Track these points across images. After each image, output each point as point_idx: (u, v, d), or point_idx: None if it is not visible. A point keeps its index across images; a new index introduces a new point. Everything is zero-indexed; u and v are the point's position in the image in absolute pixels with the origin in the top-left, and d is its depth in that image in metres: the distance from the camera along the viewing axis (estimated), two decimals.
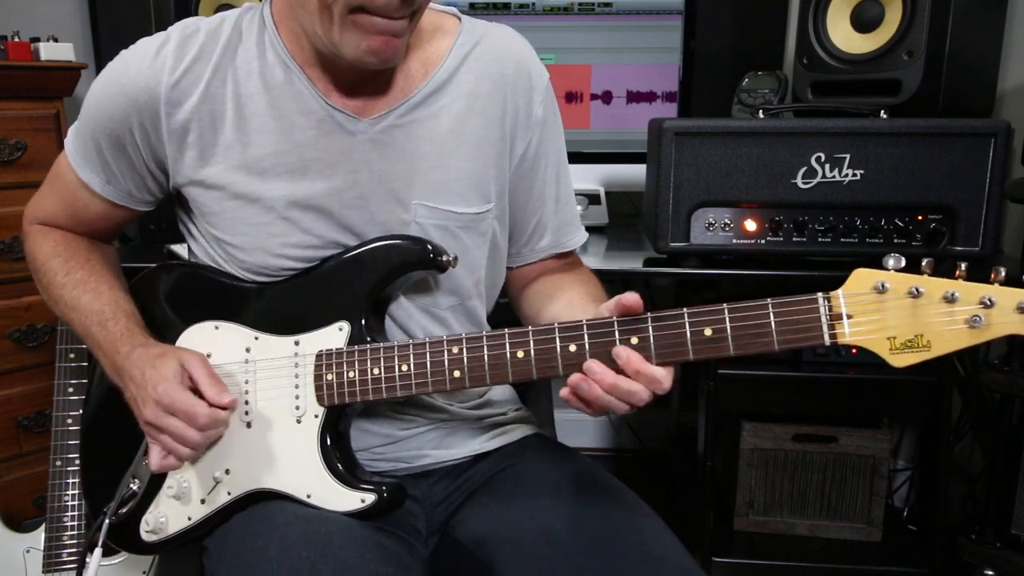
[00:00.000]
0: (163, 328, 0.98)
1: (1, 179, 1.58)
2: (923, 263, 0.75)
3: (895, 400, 1.60)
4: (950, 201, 1.32)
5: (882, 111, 1.37)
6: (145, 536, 0.96)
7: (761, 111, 1.45)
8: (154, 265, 1.02)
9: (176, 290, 0.99)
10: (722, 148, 1.35)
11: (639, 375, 0.79)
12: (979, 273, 0.75)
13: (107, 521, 0.94)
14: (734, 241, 1.38)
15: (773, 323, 0.77)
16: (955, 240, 1.33)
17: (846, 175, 1.34)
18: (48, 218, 1.04)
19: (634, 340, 0.80)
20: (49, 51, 1.60)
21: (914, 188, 1.32)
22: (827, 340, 0.76)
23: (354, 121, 0.91)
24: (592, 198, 1.78)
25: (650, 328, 0.80)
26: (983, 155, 1.30)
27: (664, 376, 0.79)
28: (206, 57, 0.90)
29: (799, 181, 1.35)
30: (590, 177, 1.78)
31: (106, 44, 1.84)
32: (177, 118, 0.90)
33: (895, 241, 1.35)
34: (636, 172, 1.65)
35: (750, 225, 1.38)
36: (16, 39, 1.58)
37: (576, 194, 1.12)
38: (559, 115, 1.04)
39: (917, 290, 0.74)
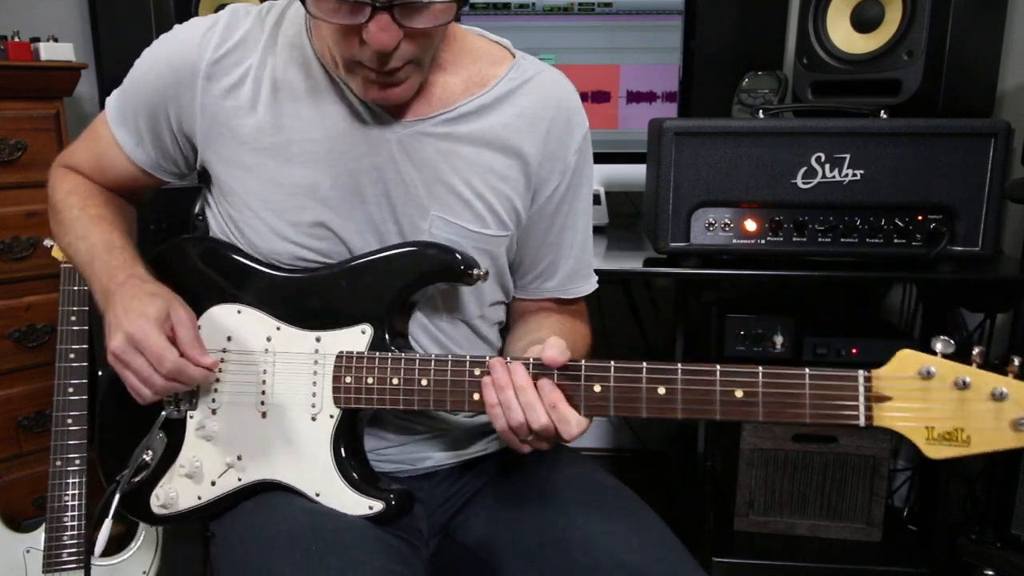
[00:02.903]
0: (187, 302, 0.96)
1: (1, 179, 1.58)
2: (974, 352, 0.71)
3: None
4: (950, 201, 1.32)
5: (882, 111, 1.37)
6: (155, 509, 0.97)
7: (761, 111, 1.45)
8: (180, 237, 1.03)
9: (203, 266, 0.99)
10: (722, 148, 1.35)
11: (554, 411, 0.80)
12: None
13: (119, 491, 0.95)
14: (734, 241, 1.38)
15: (808, 394, 0.75)
16: (955, 240, 1.33)
17: (846, 175, 1.34)
18: (75, 165, 1.05)
19: (661, 390, 0.79)
20: (49, 51, 1.60)
21: (914, 188, 1.32)
22: (863, 422, 0.74)
23: (388, 120, 0.92)
24: (592, 198, 1.78)
25: (679, 380, 0.79)
26: (983, 155, 1.30)
27: (575, 422, 0.80)
28: (251, 40, 0.92)
29: (799, 181, 1.35)
30: None
31: (106, 44, 1.84)
32: (213, 93, 0.91)
33: (895, 241, 1.35)
34: (636, 172, 1.65)
35: (750, 225, 1.38)
36: (16, 39, 1.58)
37: None
38: (591, 164, 1.04)
39: (964, 382, 0.70)
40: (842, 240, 1.36)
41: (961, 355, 0.72)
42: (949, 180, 1.31)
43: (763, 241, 1.38)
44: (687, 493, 1.77)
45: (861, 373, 0.74)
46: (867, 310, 1.98)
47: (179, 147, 0.97)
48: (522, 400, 0.81)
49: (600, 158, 1.76)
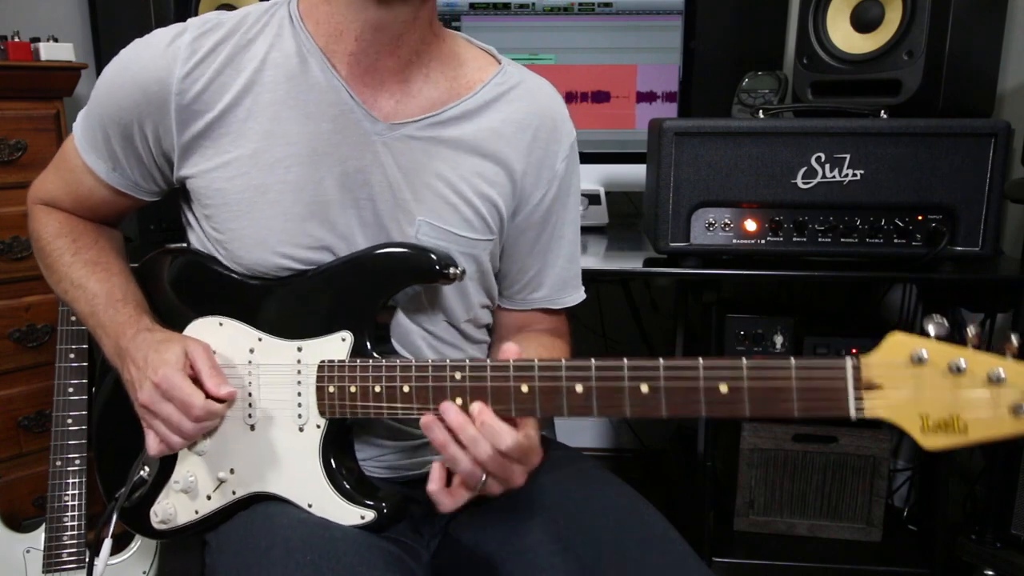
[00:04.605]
0: (168, 317, 0.97)
1: (1, 179, 1.58)
2: (970, 333, 0.67)
3: None
4: (950, 201, 1.32)
5: (882, 111, 1.37)
6: (156, 525, 0.97)
7: (761, 111, 1.45)
8: (159, 250, 1.02)
9: (182, 279, 0.98)
10: (722, 148, 1.35)
11: (484, 427, 0.78)
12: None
13: (116, 510, 0.95)
14: (734, 241, 1.38)
15: (795, 387, 0.72)
16: (955, 240, 1.33)
17: (846, 175, 1.34)
18: (52, 200, 1.03)
19: (644, 388, 0.76)
20: (49, 51, 1.60)
21: (914, 188, 1.32)
22: (853, 413, 0.69)
23: (373, 121, 0.91)
24: (592, 198, 1.78)
25: (662, 376, 0.76)
26: (983, 155, 1.30)
27: (506, 432, 0.78)
28: (220, 49, 0.89)
29: (799, 181, 1.35)
30: (590, 177, 1.78)
31: (106, 44, 1.83)
32: (187, 109, 0.89)
33: (895, 241, 1.35)
34: (636, 172, 1.65)
35: (750, 225, 1.38)
36: (16, 39, 1.58)
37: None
38: (579, 174, 1.04)
39: (959, 367, 0.66)
40: (842, 240, 1.36)
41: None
42: (949, 180, 1.31)
43: (763, 241, 1.38)
44: (687, 493, 1.77)
45: (849, 361, 0.70)
46: (867, 310, 1.98)
47: (156, 164, 0.94)
48: (464, 438, 0.79)
49: (603, 158, 1.79)
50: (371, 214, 0.92)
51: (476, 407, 0.80)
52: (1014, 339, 0.66)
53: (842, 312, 1.94)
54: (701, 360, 0.74)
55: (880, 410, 0.69)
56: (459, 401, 0.82)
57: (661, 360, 0.76)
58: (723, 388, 0.74)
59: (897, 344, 0.69)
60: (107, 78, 0.92)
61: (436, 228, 0.93)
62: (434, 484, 0.82)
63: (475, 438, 0.78)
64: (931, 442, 0.68)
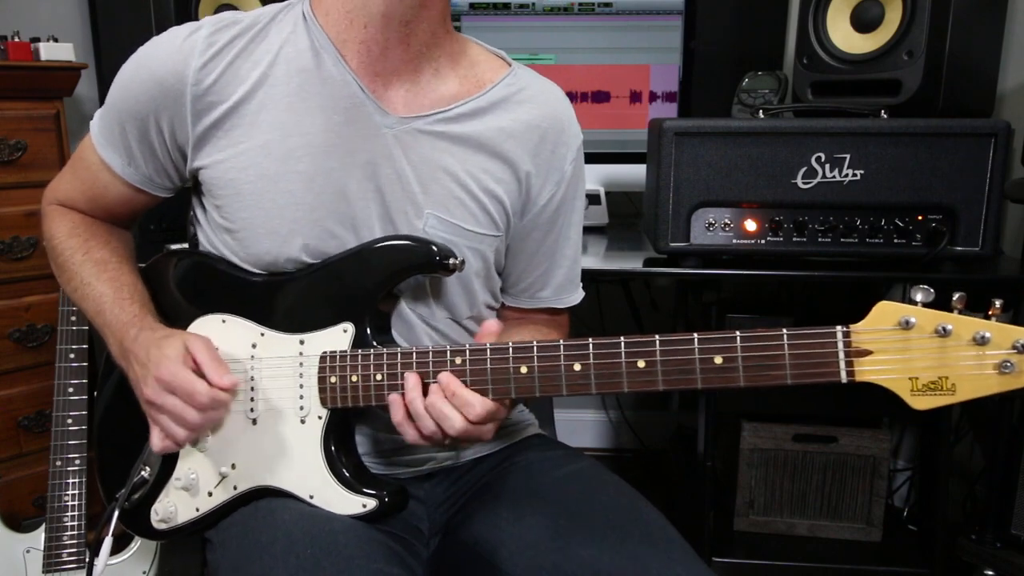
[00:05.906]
0: (172, 317, 0.98)
1: (1, 179, 1.58)
2: (954, 298, 0.69)
3: (895, 400, 1.60)
4: (950, 201, 1.32)
5: (882, 111, 1.37)
6: (156, 524, 0.97)
7: (761, 111, 1.45)
8: (164, 252, 1.03)
9: (186, 279, 0.99)
10: (722, 148, 1.35)
11: (455, 397, 0.82)
12: (1008, 307, 0.70)
13: (117, 510, 0.95)
14: (734, 241, 1.38)
15: (787, 355, 0.74)
16: (955, 240, 1.33)
17: (846, 175, 1.34)
18: (67, 200, 1.04)
19: (640, 363, 0.78)
20: (49, 51, 1.60)
21: (914, 188, 1.32)
22: (844, 377, 0.73)
23: (384, 114, 0.92)
24: (592, 198, 1.78)
25: (658, 351, 0.78)
26: (983, 155, 1.30)
27: (478, 403, 0.81)
28: (236, 43, 0.91)
29: (799, 181, 1.35)
30: (590, 177, 1.77)
31: (106, 44, 1.83)
32: (202, 100, 0.90)
33: (895, 241, 1.35)
34: (636, 172, 1.65)
35: (750, 225, 1.38)
36: (16, 39, 1.58)
37: None
38: (584, 177, 1.06)
39: (944, 329, 0.69)
40: (842, 240, 1.36)
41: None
42: (949, 180, 1.31)
43: (763, 241, 1.38)
44: (687, 493, 1.78)
45: (839, 329, 0.73)
46: (867, 310, 1.98)
47: (171, 158, 0.95)
48: (434, 413, 0.83)
49: (603, 158, 1.79)
50: (380, 206, 0.93)
51: (444, 377, 0.83)
52: (997, 303, 0.69)
53: (842, 312, 1.94)
54: (696, 335, 0.77)
55: (870, 374, 0.72)
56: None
57: (657, 336, 0.78)
58: (718, 360, 0.77)
59: (885, 311, 0.72)
60: (125, 74, 0.94)
61: (443, 222, 0.94)
62: (398, 415, 0.85)
63: (420, 414, 0.83)
64: (921, 403, 0.71)
